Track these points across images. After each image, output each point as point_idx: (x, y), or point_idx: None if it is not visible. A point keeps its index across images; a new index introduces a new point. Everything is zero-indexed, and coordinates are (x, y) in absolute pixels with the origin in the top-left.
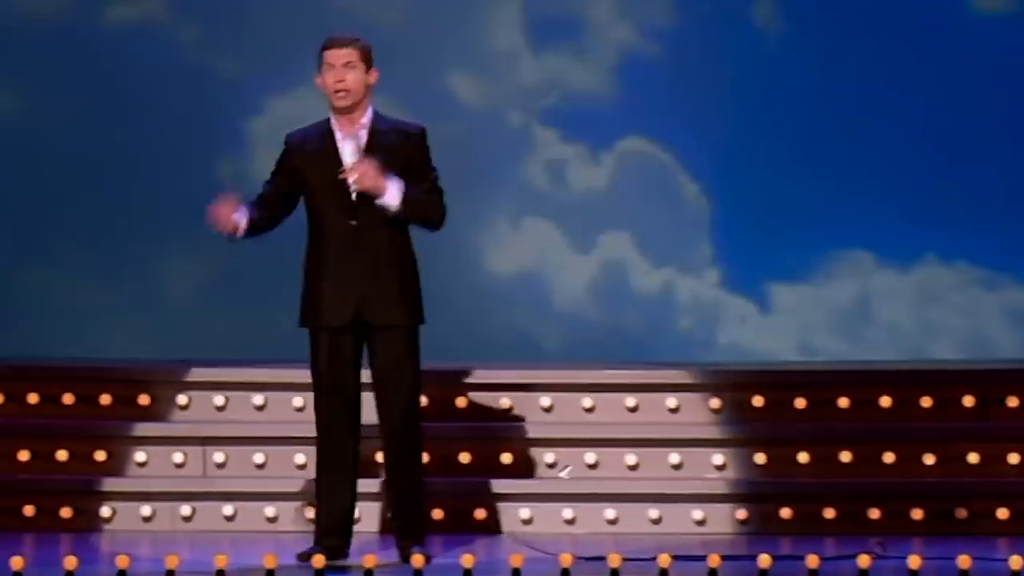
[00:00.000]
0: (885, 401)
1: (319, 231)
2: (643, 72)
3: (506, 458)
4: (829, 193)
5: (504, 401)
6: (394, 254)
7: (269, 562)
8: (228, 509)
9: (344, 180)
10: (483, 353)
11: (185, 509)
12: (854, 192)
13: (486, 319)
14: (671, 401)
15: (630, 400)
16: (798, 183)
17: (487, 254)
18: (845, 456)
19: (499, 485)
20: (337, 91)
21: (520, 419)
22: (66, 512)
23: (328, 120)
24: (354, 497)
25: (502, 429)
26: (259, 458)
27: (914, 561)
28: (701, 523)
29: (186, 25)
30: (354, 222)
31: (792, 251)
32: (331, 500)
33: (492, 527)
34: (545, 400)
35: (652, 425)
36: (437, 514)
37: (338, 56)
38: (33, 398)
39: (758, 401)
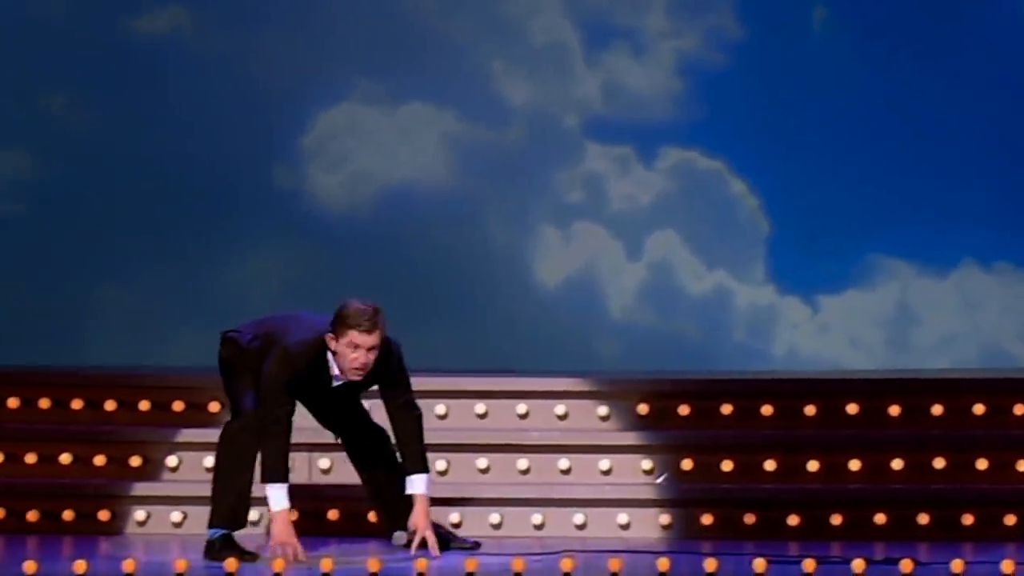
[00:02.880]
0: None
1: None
2: (695, 79)
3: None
4: (882, 199)
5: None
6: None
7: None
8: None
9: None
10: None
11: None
12: (907, 197)
13: (535, 326)
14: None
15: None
16: (850, 190)
17: (536, 261)
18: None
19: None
20: (355, 369)
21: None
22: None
23: (324, 360)
24: None
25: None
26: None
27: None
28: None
29: (234, 36)
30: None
31: (845, 257)
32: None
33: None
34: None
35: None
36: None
37: (367, 341)
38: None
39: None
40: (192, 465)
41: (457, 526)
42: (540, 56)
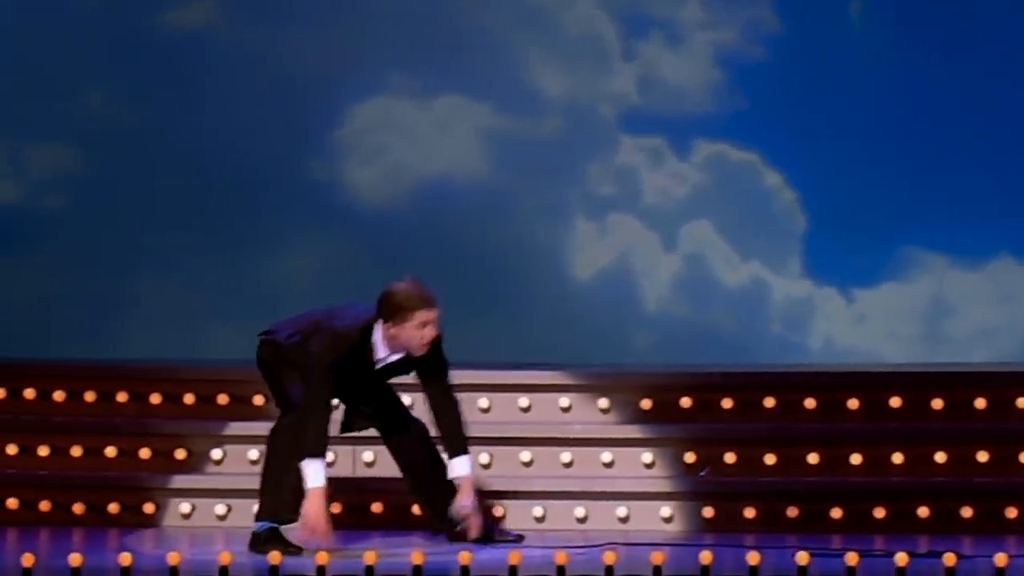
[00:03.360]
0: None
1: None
2: (731, 71)
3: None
4: (918, 191)
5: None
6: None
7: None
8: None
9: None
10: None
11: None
12: (944, 189)
13: (570, 319)
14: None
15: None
16: (887, 182)
17: (571, 253)
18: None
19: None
20: (424, 345)
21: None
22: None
23: (368, 344)
24: None
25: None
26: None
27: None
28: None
29: (267, 30)
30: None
31: (881, 249)
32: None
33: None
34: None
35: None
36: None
37: (434, 315)
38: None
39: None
40: (237, 458)
41: (500, 519)
42: (576, 48)
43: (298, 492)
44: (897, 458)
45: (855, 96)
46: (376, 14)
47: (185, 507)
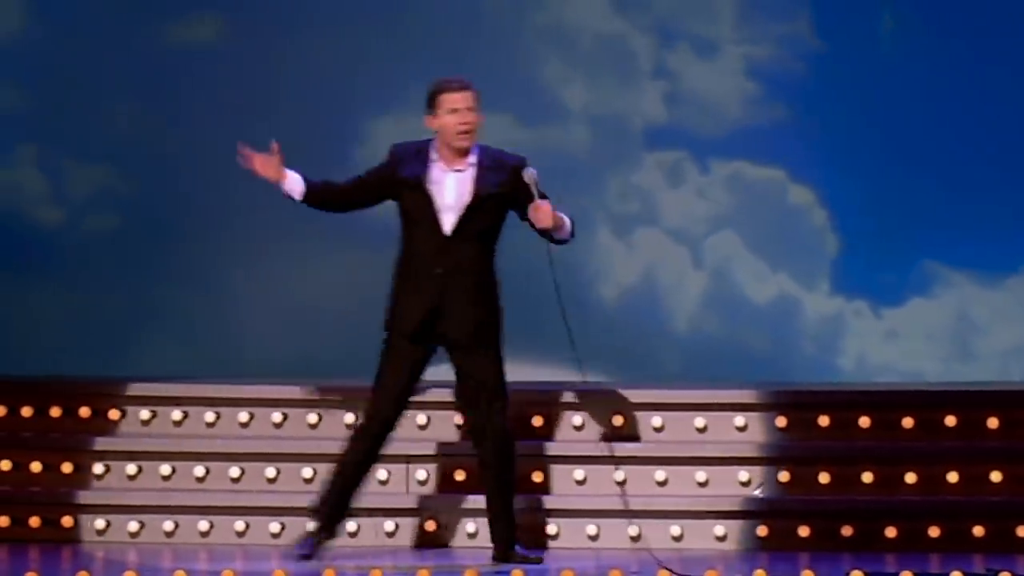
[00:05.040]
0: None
1: (409, 250)
2: (761, 86)
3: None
4: (949, 208)
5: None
6: (480, 281)
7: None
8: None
9: (462, 222)
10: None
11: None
12: (974, 206)
13: (597, 335)
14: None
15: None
16: (919, 199)
17: (597, 269)
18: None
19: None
20: (462, 132)
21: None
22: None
23: (432, 150)
24: None
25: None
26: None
27: None
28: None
29: (279, 43)
30: (440, 270)
31: (910, 266)
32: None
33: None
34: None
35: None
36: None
37: (463, 100)
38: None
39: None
40: (291, 476)
41: (554, 537)
42: (601, 60)
43: (341, 505)
44: (952, 477)
45: (886, 112)
46: (395, 27)
47: (240, 525)
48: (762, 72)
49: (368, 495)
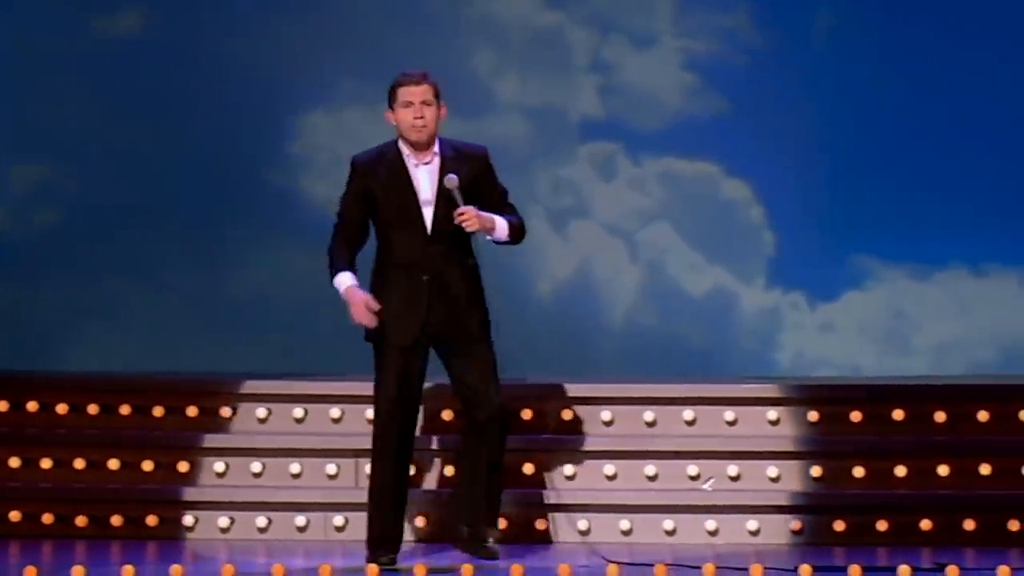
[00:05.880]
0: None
1: (390, 257)
2: (696, 79)
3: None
4: (880, 199)
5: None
6: (464, 275)
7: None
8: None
9: (438, 215)
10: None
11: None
12: (902, 202)
13: (532, 329)
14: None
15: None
16: (851, 193)
17: (532, 262)
18: (941, 469)
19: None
20: (415, 127)
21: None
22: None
23: (397, 148)
24: None
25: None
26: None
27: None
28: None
29: (218, 41)
30: (425, 277)
31: (844, 260)
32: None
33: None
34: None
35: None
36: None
37: (416, 93)
38: (125, 409)
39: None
40: (240, 470)
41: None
42: (535, 53)
43: (389, 519)
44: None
45: (819, 106)
46: (325, 20)
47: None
48: (700, 65)
49: (317, 490)
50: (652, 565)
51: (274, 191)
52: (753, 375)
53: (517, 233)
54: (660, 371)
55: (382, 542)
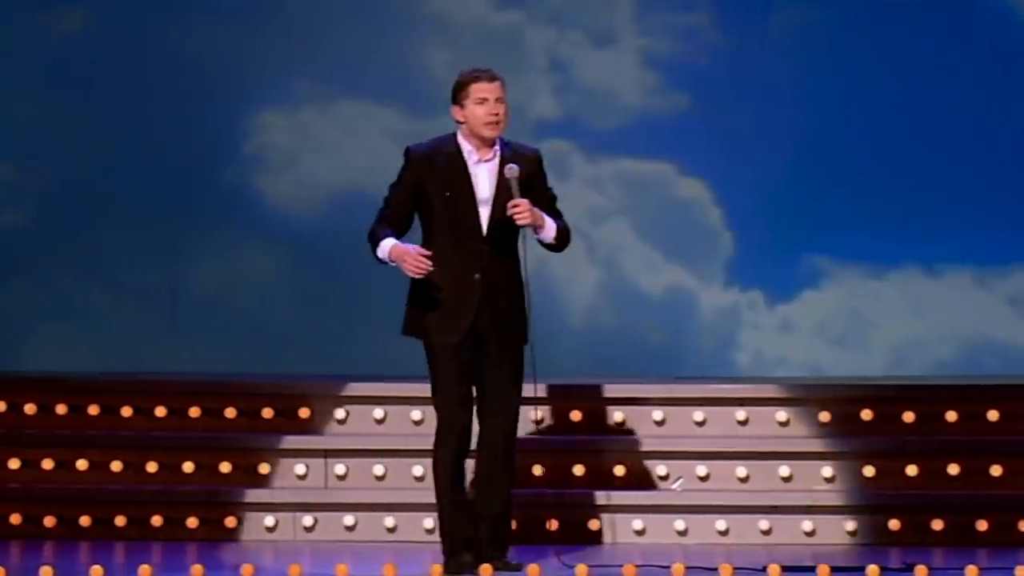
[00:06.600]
0: (993, 415)
1: (438, 248)
2: (654, 79)
3: (619, 470)
4: (835, 199)
5: (617, 415)
6: (510, 279)
7: (389, 572)
8: (349, 519)
9: (494, 216)
10: None
11: (307, 519)
12: (861, 198)
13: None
14: (780, 415)
15: (740, 413)
16: (806, 190)
17: None
18: (953, 469)
19: (612, 497)
20: (490, 123)
21: (631, 432)
22: (192, 522)
23: (456, 143)
24: None
25: (615, 443)
26: (379, 469)
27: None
28: (811, 534)
29: (194, 35)
30: (477, 276)
31: (801, 260)
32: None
33: (605, 538)
34: (657, 414)
35: (763, 439)
36: (551, 525)
37: (491, 90)
38: (161, 411)
39: (866, 415)
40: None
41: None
42: (491, 51)
43: (455, 530)
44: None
45: (776, 107)
46: (278, 17)
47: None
48: (659, 64)
49: (286, 490)
50: (668, 567)
51: (229, 190)
52: (713, 375)
53: (563, 237)
54: (619, 370)
55: (458, 544)
